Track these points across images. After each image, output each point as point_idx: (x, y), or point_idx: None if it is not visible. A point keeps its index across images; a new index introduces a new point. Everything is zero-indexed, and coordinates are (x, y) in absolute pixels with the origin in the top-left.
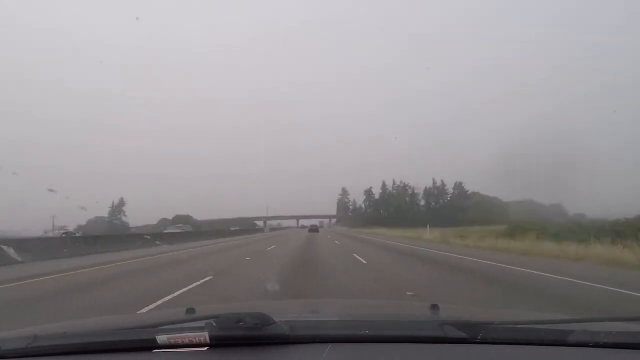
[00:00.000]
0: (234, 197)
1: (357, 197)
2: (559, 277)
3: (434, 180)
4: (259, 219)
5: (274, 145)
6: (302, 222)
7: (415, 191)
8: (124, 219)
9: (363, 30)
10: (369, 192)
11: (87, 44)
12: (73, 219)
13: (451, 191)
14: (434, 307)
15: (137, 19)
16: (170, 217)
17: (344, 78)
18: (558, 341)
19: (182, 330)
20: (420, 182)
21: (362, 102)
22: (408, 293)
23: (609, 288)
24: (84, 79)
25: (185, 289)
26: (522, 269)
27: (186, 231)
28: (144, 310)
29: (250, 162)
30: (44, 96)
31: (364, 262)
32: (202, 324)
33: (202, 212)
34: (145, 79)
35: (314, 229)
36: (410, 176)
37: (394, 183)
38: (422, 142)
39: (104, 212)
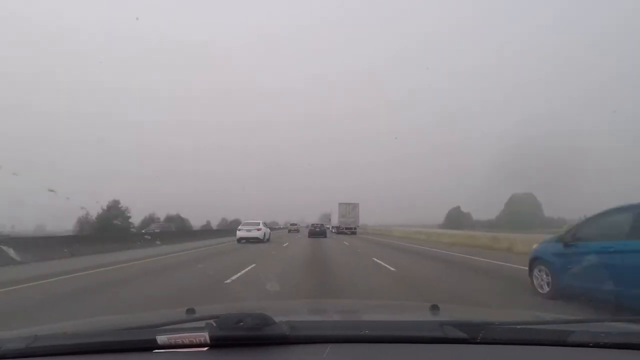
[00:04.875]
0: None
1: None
2: None
3: None
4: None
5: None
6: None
7: None
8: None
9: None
10: None
11: (88, 44)
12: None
13: None
14: (434, 307)
15: (137, 19)
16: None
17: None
18: (558, 341)
19: (182, 330)
20: None
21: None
22: None
23: None
24: (84, 76)
25: None
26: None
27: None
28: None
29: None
30: (44, 94)
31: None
32: (202, 324)
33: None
34: (145, 76)
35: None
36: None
37: None
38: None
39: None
